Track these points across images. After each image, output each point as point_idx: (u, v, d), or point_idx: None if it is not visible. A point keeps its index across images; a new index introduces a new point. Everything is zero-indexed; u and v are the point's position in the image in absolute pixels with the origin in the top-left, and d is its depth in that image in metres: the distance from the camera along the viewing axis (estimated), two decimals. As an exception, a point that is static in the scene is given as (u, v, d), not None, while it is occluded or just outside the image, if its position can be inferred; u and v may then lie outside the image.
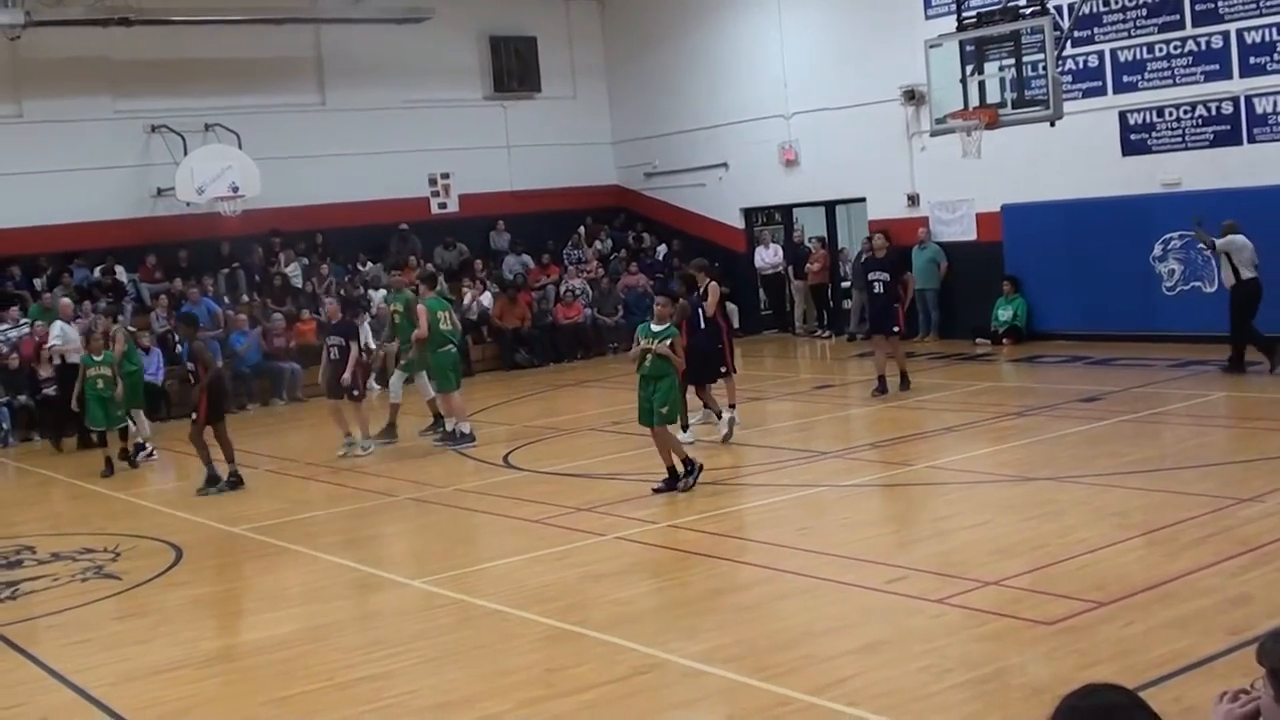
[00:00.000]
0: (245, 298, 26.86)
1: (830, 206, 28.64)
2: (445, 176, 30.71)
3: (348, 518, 13.90)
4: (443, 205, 30.81)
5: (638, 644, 8.68)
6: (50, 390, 22.20)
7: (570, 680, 8.21)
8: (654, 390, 13.39)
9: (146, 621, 10.58)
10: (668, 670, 8.25)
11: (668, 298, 14.62)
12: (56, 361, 21.86)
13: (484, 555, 11.70)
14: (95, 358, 17.96)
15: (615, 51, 32.65)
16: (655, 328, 13.57)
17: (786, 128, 28.28)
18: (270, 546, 12.74)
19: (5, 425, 22.06)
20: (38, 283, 25.61)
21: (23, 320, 23.97)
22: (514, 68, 31.42)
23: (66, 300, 23.01)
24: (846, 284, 28.04)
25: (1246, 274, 18.43)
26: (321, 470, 17.06)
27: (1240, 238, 18.53)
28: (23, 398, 22.31)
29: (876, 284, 19.71)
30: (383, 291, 27.33)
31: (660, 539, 11.57)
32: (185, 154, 26.67)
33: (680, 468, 13.50)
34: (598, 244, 31.19)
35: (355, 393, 17.58)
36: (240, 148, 26.92)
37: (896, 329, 19.51)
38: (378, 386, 23.51)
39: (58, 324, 22.08)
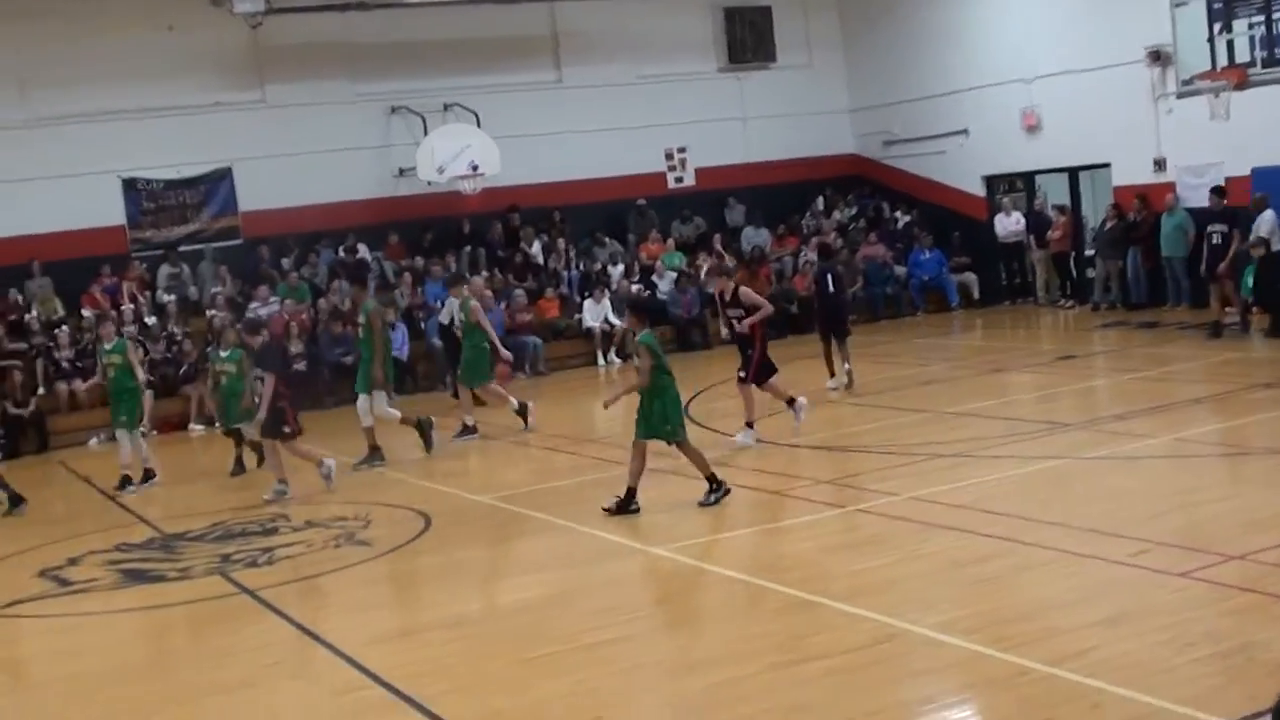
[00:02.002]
0: (485, 274, 27.53)
1: (1074, 173, 28.05)
2: (681, 150, 30.94)
3: (591, 487, 14.22)
4: (679, 179, 31.05)
5: (877, 614, 8.79)
6: (300, 366, 23.15)
7: (811, 647, 8.37)
8: (650, 404, 12.62)
9: (398, 586, 11.09)
10: (907, 640, 8.35)
11: (632, 308, 14.46)
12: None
13: (724, 525, 11.90)
14: (221, 353, 17.24)
15: (852, 19, 32.46)
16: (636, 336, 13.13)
17: (1028, 92, 27.79)
18: (515, 515, 13.17)
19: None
20: (285, 262, 26.67)
21: (272, 298, 25.09)
22: (748, 38, 31.44)
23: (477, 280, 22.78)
24: (1090, 253, 27.44)
25: None
26: (565, 441, 17.49)
27: None
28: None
29: (1215, 235, 20.73)
30: (621, 267, 27.82)
31: (901, 511, 11.64)
32: (425, 134, 27.38)
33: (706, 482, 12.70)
34: (836, 214, 31.11)
35: (287, 429, 15.22)
36: (479, 126, 27.56)
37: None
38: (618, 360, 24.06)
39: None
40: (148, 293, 25.73)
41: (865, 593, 9.35)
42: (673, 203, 30.41)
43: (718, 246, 28.90)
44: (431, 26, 28.18)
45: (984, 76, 28.69)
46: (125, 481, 17.00)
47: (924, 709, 7.43)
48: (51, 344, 23.51)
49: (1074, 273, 27.96)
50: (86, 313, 24.77)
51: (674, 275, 27.75)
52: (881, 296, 28.91)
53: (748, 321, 15.68)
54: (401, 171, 27.80)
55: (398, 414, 17.51)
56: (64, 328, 24.02)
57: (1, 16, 25.06)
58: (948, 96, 29.67)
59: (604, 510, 12.54)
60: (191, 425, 22.70)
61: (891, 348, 24.37)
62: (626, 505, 12.52)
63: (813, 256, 28.56)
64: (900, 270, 29.45)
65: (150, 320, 24.53)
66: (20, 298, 24.93)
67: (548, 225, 29.02)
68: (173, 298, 25.29)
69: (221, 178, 27.01)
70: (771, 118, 31.35)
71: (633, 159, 29.91)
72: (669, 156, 30.88)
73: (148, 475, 17.19)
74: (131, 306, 24.81)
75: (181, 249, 26.65)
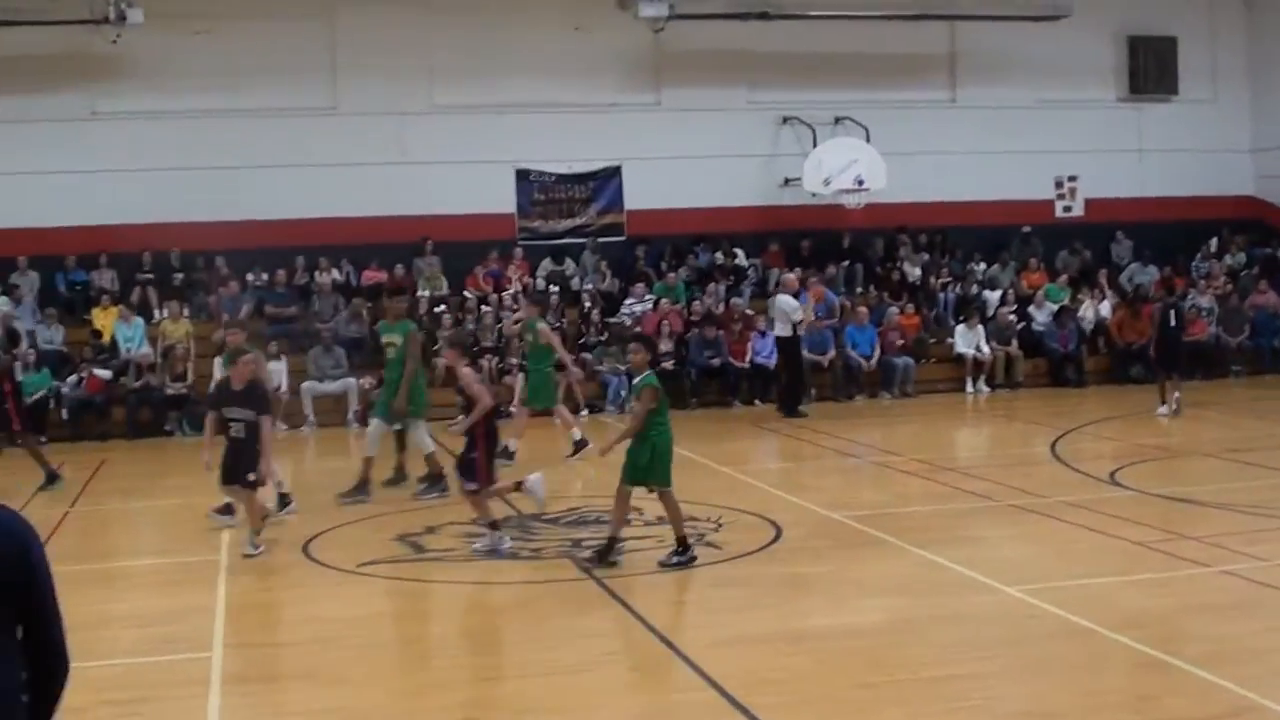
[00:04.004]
0: (861, 289, 27.40)
1: None
2: (1072, 179, 30.14)
3: (945, 516, 13.94)
4: (1067, 209, 30.25)
5: (1235, 685, 8.25)
6: (668, 364, 23.51)
7: (1161, 710, 7.93)
8: (641, 449, 11.81)
9: (743, 592, 11.05)
10: (1266, 717, 7.84)
11: (640, 343, 12.61)
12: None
13: (1081, 571, 11.44)
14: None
15: (1260, 53, 30.91)
16: (635, 380, 12.18)
17: None
18: (867, 536, 12.98)
19: (624, 393, 23.42)
20: (663, 263, 27.15)
21: (647, 296, 25.56)
22: (1151, 68, 30.40)
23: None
24: None
25: None
26: (924, 466, 17.20)
27: None
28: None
29: None
30: (998, 292, 27.22)
31: (1273, 578, 10.95)
32: (814, 145, 27.47)
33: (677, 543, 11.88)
34: (1228, 258, 29.68)
35: (252, 478, 12.92)
36: (868, 141, 27.44)
37: None
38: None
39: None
40: (530, 280, 26.56)
41: (1225, 660, 8.79)
42: (1058, 232, 29.58)
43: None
44: (830, 39, 28.23)
45: None
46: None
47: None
48: (433, 321, 24.45)
49: None
50: (469, 293, 25.78)
51: (1054, 308, 26.97)
52: (1269, 349, 27.37)
53: (464, 422, 12.68)
54: (787, 181, 27.94)
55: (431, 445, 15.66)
56: (444, 305, 25.03)
57: (416, 7, 26.33)
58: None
59: (584, 561, 11.92)
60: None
61: (1278, 403, 23.04)
62: (606, 555, 11.80)
63: (1202, 301, 27.38)
64: (1295, 322, 27.87)
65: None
66: (408, 274, 26.04)
67: (929, 245, 28.67)
68: (556, 287, 26.00)
69: (611, 175, 27.70)
70: (1169, 152, 30.24)
71: (1021, 184, 29.29)
72: (1059, 185, 30.14)
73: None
74: (514, 291, 25.64)
75: (565, 241, 27.42)
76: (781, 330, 22.54)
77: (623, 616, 10.30)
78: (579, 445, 18.05)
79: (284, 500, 14.65)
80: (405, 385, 15.32)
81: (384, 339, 16.19)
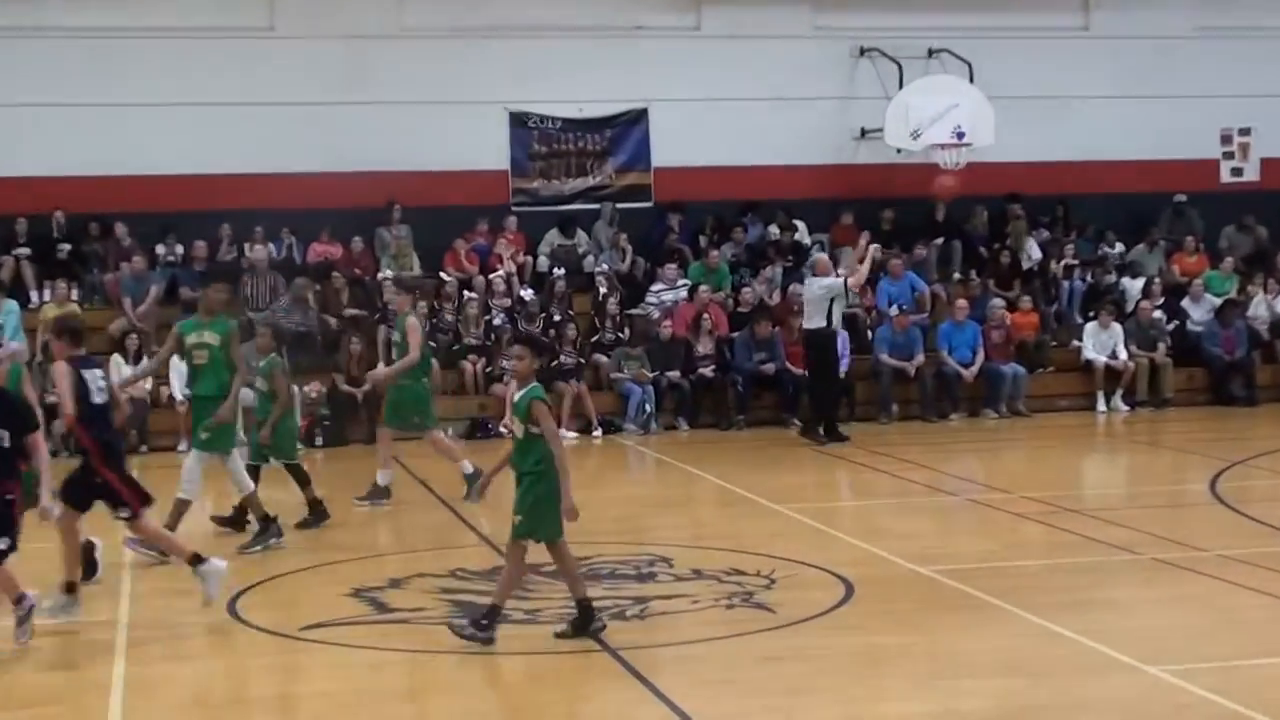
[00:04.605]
0: (959, 276, 27.35)
1: None
2: (1244, 133, 30.15)
3: (1071, 572, 13.92)
4: (1236, 172, 30.24)
5: None
6: (708, 370, 23.56)
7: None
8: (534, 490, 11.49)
9: (803, 668, 11.03)
10: None
11: (525, 345, 12.11)
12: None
13: (1250, 647, 11.40)
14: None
15: None
16: (515, 395, 11.79)
17: None
18: (966, 597, 12.95)
19: (650, 408, 23.49)
20: (702, 238, 27.04)
21: (681, 281, 25.45)
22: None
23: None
24: None
25: None
26: (1041, 508, 17.17)
27: None
28: (674, 374, 23.64)
29: None
30: (1140, 281, 27.16)
31: None
32: (900, 86, 27.39)
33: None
34: None
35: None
36: (971, 81, 27.40)
37: None
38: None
39: None
40: (528, 259, 26.55)
41: None
42: (1224, 202, 29.52)
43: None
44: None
45: None
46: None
47: None
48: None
49: None
50: (448, 274, 25.75)
51: (1216, 302, 26.91)
52: None
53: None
54: (864, 133, 27.97)
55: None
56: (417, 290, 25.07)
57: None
58: None
59: (556, 635, 11.78)
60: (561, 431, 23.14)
61: None
62: (585, 625, 11.61)
63: None
64: None
65: (527, 294, 25.28)
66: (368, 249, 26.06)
67: (1049, 219, 28.61)
68: (561, 270, 25.95)
69: (634, 121, 27.71)
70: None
71: (1175, 140, 29.28)
72: (1226, 140, 30.11)
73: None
74: (505, 273, 25.64)
75: (575, 207, 27.37)
76: (816, 321, 22.52)
77: (646, 700, 10.28)
78: (471, 480, 17.45)
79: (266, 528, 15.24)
80: (232, 398, 15.33)
81: (189, 340, 15.54)
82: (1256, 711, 9.67)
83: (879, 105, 27.42)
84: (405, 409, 18.01)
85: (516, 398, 11.58)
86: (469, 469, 17.68)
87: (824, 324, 22.25)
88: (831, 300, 22.02)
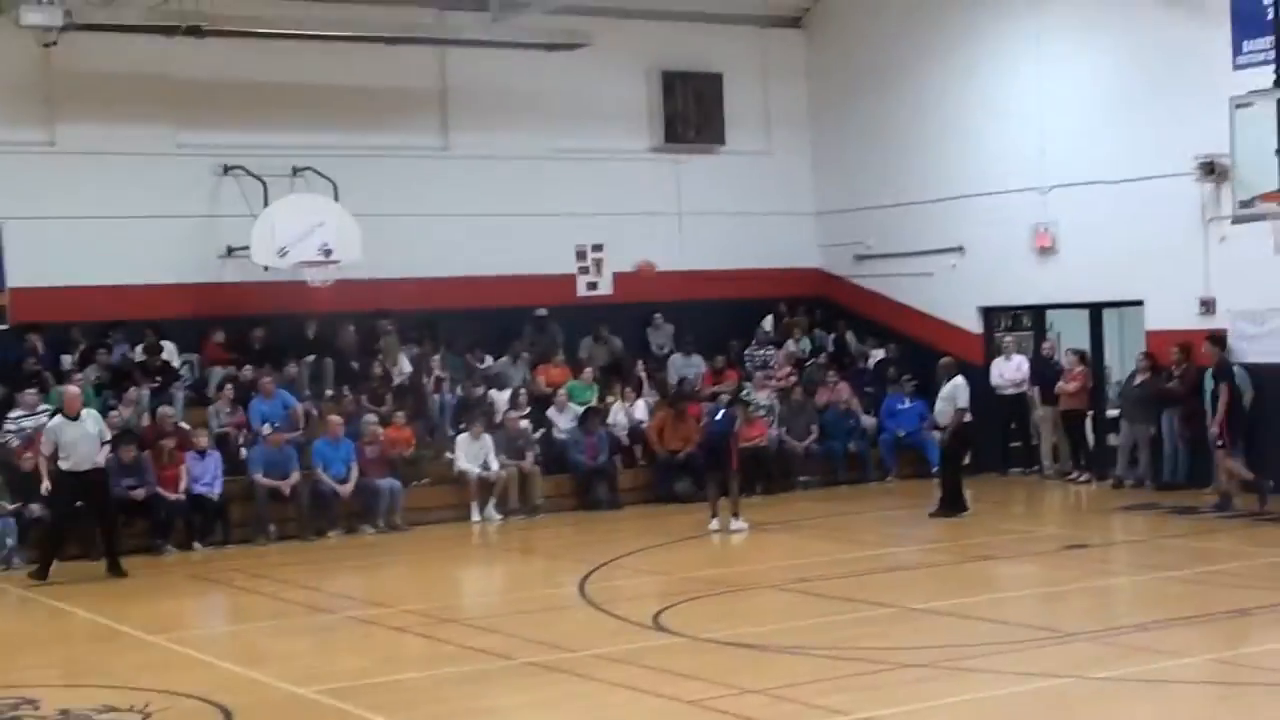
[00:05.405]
0: (331, 391, 27.30)
1: (1096, 310, 28.42)
2: (597, 249, 31.01)
3: (449, 683, 13.99)
4: (592, 285, 31.09)
5: None
6: (38, 512, 22.63)
7: None
8: None
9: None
10: None
11: None
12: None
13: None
14: None
15: (822, 96, 33.00)
16: None
17: (1042, 205, 28.25)
18: (345, 716, 12.90)
19: (10, 542, 22.47)
20: (67, 360, 26.15)
21: (41, 408, 24.46)
22: (691, 113, 31.79)
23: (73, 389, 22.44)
24: (1114, 414, 27.61)
25: None
26: (420, 620, 17.26)
27: None
28: (36, 507, 22.77)
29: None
30: (507, 392, 27.71)
31: (851, 734, 11.53)
32: (266, 204, 27.17)
33: None
34: (791, 345, 31.25)
35: None
36: (336, 199, 27.43)
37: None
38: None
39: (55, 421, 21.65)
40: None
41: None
42: (583, 315, 30.42)
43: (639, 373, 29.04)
44: (284, 66, 28.11)
45: (987, 182, 29.21)
46: None
47: None
48: None
49: (1091, 438, 28.15)
50: None
51: (579, 410, 27.68)
52: (842, 453, 28.97)
53: None
54: (230, 251, 27.57)
55: None
56: None
57: None
58: (940, 204, 30.17)
59: None
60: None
61: (851, 520, 24.43)
62: None
63: (759, 398, 28.63)
64: (869, 421, 29.55)
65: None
66: None
67: (418, 335, 28.85)
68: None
69: (-16, 240, 26.53)
70: (715, 215, 31.68)
71: (535, 256, 29.97)
72: (581, 256, 30.93)
73: None
74: None
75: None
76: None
77: None
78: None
79: None
80: None
81: None
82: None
83: (246, 223, 27.05)
84: None
85: None
86: None
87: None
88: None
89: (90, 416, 21.26)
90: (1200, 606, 16.32)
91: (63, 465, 21.13)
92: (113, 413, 24.66)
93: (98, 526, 21.71)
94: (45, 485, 21.42)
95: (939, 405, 23.85)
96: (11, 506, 22.57)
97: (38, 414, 24.15)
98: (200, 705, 13.41)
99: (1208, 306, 25.50)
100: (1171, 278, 25.76)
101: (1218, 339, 24.47)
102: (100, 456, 21.24)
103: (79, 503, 21.47)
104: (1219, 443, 23.35)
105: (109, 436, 21.61)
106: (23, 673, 15.50)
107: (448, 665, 14.79)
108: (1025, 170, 28.39)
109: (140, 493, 23.31)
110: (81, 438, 20.91)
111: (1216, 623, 15.58)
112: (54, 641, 17.79)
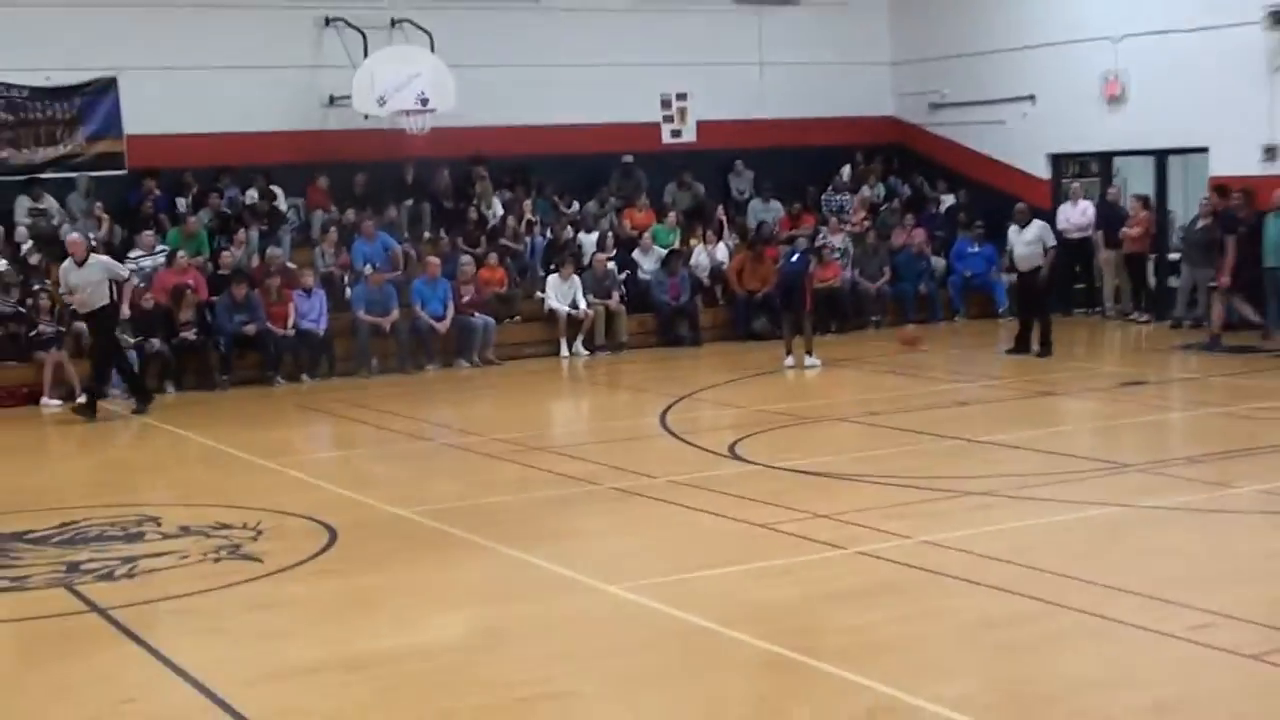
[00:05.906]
0: (429, 235, 27.54)
1: (1161, 156, 28.20)
2: (681, 98, 30.99)
3: (539, 506, 14.33)
4: (676, 133, 31.09)
5: (875, 681, 8.82)
6: (190, 334, 23.25)
7: (788, 716, 8.46)
8: None
9: (289, 613, 11.09)
10: (909, 715, 8.40)
11: None
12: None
13: (696, 562, 11.92)
14: None
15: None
16: None
17: (1113, 53, 27.94)
18: (443, 535, 13.19)
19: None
20: (181, 203, 26.55)
21: (159, 248, 24.96)
22: (772, -36, 31.56)
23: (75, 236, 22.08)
24: (1175, 257, 27.47)
25: None
26: (512, 448, 17.56)
27: None
28: (156, 342, 23.21)
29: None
30: (594, 235, 27.86)
31: (914, 557, 11.70)
32: (365, 55, 27.29)
33: None
34: (866, 190, 31.20)
35: None
36: (432, 50, 27.50)
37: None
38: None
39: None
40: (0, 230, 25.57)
41: (862, 654, 9.39)
42: (667, 162, 30.46)
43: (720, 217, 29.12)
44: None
45: (1059, 31, 28.90)
46: None
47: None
48: None
49: (1152, 280, 28.05)
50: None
51: (662, 253, 27.82)
52: (913, 294, 29.01)
53: None
54: (333, 100, 27.73)
55: None
56: None
57: None
58: (1012, 53, 29.85)
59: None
60: (45, 400, 22.55)
61: (921, 358, 24.47)
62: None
63: (834, 241, 28.67)
64: (939, 263, 29.56)
65: (1, 265, 24.34)
66: None
67: (510, 180, 29.00)
68: (30, 242, 25.04)
69: (103, 90, 26.79)
70: (794, 65, 31.47)
71: (622, 105, 30.03)
72: (666, 105, 30.92)
73: None
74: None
75: (47, 176, 26.40)
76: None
77: (137, 655, 10.14)
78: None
79: None
80: None
81: None
82: (700, 617, 10.18)
83: (346, 74, 27.21)
84: None
85: None
86: None
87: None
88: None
89: (98, 263, 21.17)
90: (1250, 441, 16.38)
91: (72, 306, 21.63)
92: (224, 253, 25.10)
93: (90, 359, 22.02)
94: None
95: (1024, 249, 23.60)
96: (134, 340, 22.98)
97: (156, 254, 24.62)
98: (307, 523, 13.78)
99: (1271, 154, 25.28)
100: (1236, 125, 25.53)
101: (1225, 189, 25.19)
102: (122, 296, 21.26)
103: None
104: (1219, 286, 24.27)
105: (126, 275, 21.59)
106: (145, 493, 16.02)
107: (538, 490, 15.12)
108: (1097, 19, 28.11)
109: (251, 328, 23.71)
110: (85, 283, 20.89)
111: (1265, 456, 15.65)
112: (173, 465, 18.24)
